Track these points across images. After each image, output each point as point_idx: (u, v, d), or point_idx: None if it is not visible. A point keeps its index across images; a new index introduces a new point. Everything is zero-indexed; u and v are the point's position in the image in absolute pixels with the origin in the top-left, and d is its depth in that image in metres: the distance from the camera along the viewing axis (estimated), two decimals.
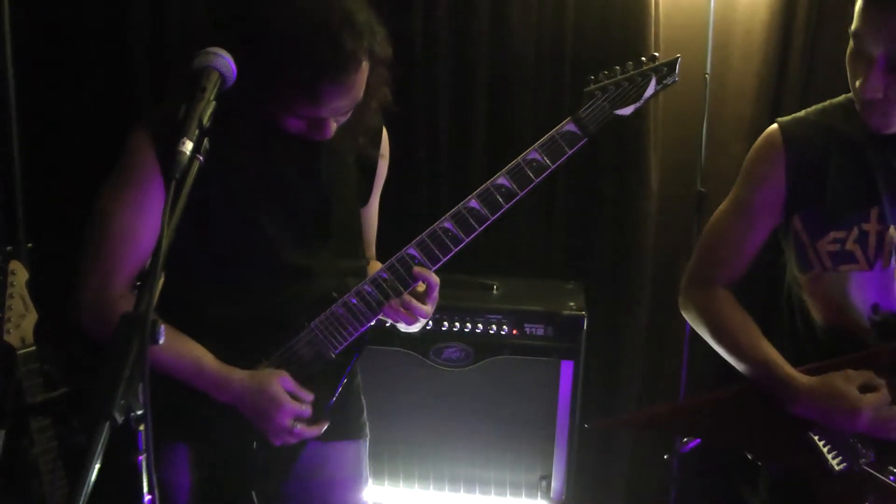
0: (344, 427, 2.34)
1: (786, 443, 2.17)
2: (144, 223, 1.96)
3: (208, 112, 1.47)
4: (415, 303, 2.08)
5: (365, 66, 1.91)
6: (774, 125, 2.22)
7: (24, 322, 2.61)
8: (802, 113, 2.24)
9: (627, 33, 3.33)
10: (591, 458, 3.57)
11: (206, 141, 1.46)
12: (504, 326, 3.17)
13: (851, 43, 1.98)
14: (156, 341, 1.23)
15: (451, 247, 2.09)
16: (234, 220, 1.98)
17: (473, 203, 2.09)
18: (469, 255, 2.16)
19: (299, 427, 2.04)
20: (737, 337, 2.22)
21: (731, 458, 2.89)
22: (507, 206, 2.11)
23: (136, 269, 2.03)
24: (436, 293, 2.12)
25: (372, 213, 2.36)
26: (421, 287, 2.08)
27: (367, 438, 2.41)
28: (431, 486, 3.24)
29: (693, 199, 3.46)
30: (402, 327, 2.19)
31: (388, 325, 2.23)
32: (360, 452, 2.39)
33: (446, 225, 2.08)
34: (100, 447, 1.19)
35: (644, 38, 3.29)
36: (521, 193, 2.12)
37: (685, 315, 2.35)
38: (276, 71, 1.83)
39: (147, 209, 1.95)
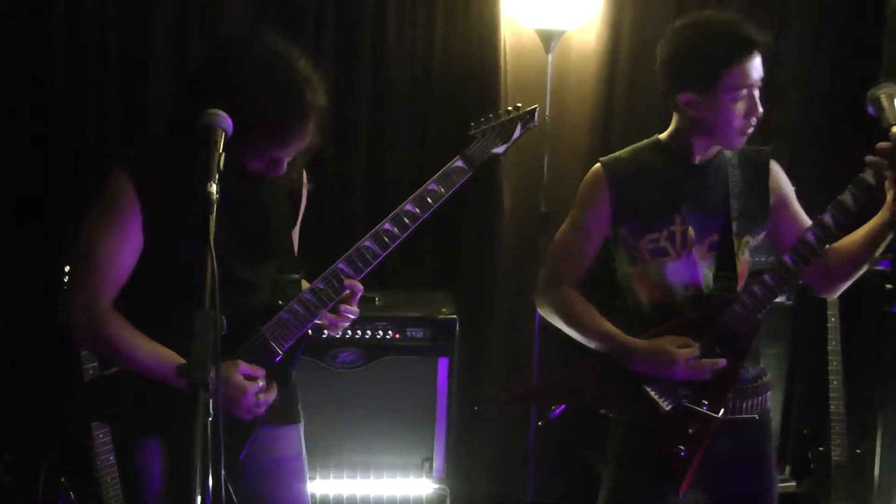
0: (289, 413, 2.63)
1: (629, 396, 2.66)
2: (124, 249, 2.23)
3: (221, 160, 1.82)
4: (345, 305, 2.42)
5: (314, 113, 2.25)
6: (598, 164, 2.73)
7: None
8: (618, 153, 2.76)
9: (484, 78, 3.74)
10: (466, 439, 3.84)
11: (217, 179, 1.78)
12: (388, 331, 3.49)
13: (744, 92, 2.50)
14: (224, 331, 1.61)
15: (372, 261, 2.42)
16: (197, 242, 2.11)
17: (387, 225, 2.45)
18: None
19: (262, 398, 2.31)
20: (584, 320, 2.71)
21: (582, 432, 3.34)
22: (413, 227, 2.47)
23: (118, 287, 2.27)
24: (358, 297, 2.44)
25: (296, 233, 2.67)
26: (347, 294, 2.40)
27: (302, 423, 2.70)
28: (331, 476, 3.45)
29: (538, 218, 3.88)
30: (331, 331, 2.50)
31: (324, 335, 2.55)
32: (301, 433, 2.68)
33: (367, 244, 2.42)
34: (201, 408, 1.54)
35: (495, 85, 3.74)
36: (424, 216, 2.49)
37: (541, 311, 2.82)
38: (254, 124, 2.10)
39: (128, 238, 2.23)
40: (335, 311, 2.43)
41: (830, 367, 3.89)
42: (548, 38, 3.77)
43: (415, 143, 3.86)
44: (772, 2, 4.19)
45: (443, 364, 3.56)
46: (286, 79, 2.18)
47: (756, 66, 2.54)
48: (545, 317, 2.83)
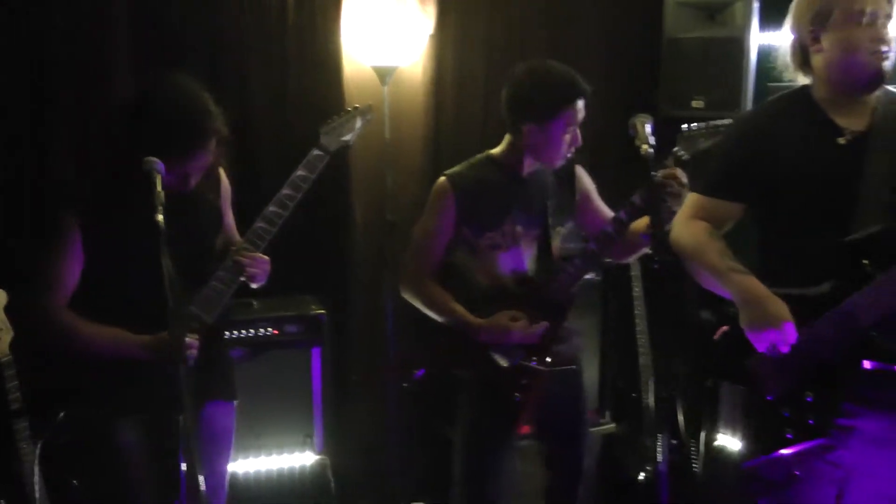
0: (227, 390, 3.01)
1: (477, 358, 3.11)
2: (71, 268, 2.68)
3: (162, 196, 2.31)
4: (257, 255, 2.81)
5: (214, 137, 2.69)
6: (443, 177, 3.16)
7: (2, 338, 2.77)
8: (458, 168, 3.19)
9: (329, 108, 3.86)
10: (340, 416, 4.09)
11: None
12: (268, 329, 3.76)
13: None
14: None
15: (266, 237, 2.83)
16: (140, 259, 2.52)
17: (272, 208, 2.86)
18: None
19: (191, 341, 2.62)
20: (438, 303, 3.15)
21: (435, 406, 3.75)
22: (292, 207, 2.87)
23: (69, 293, 2.68)
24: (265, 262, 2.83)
25: (231, 219, 3.09)
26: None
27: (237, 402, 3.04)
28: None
29: (384, 225, 4.22)
30: (255, 280, 2.85)
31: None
32: (234, 410, 3.05)
33: (259, 224, 2.84)
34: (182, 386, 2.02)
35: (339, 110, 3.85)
36: (299, 196, 2.90)
37: (407, 298, 3.21)
38: (166, 146, 2.54)
39: (73, 259, 2.67)
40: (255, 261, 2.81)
41: (638, 329, 4.27)
42: (383, 74, 4.11)
43: (275, 160, 4.03)
44: (570, 40, 4.62)
45: (315, 354, 3.86)
46: (190, 111, 2.64)
47: (581, 108, 3.01)
48: (411, 302, 3.22)
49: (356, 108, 3.19)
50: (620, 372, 4.63)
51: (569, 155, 3.10)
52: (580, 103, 3.02)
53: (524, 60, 3.18)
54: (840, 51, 2.48)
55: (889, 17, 2.45)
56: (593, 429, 4.34)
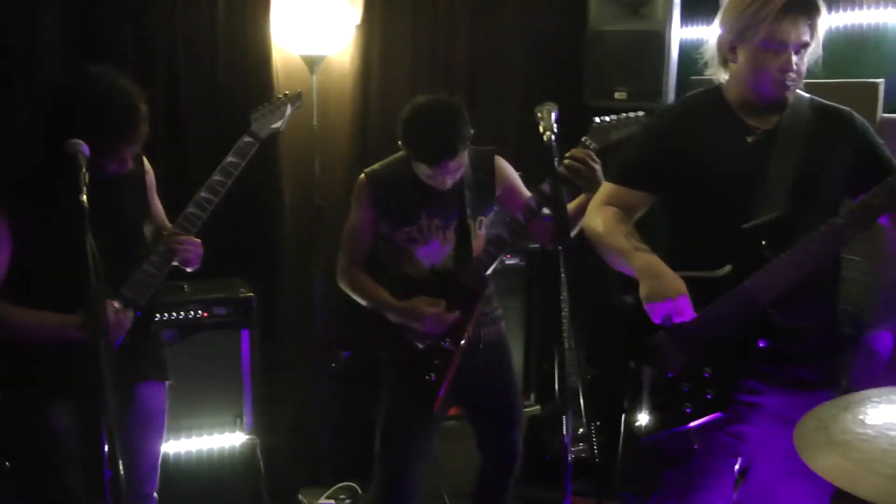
0: (157, 370, 3.04)
1: (397, 341, 3.27)
2: (2, 255, 2.70)
3: (86, 177, 2.35)
4: (188, 238, 2.86)
5: (144, 120, 2.72)
6: (363, 175, 3.29)
7: None
8: (377, 166, 3.32)
9: (261, 96, 3.83)
10: (269, 397, 4.15)
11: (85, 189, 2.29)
12: (198, 311, 3.80)
13: None
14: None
15: (197, 222, 2.88)
16: (68, 241, 2.45)
17: (203, 193, 2.92)
18: None
19: (121, 317, 2.71)
20: (368, 291, 3.29)
21: (360, 383, 3.86)
22: (223, 193, 2.93)
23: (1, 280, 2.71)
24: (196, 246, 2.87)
25: (158, 206, 3.12)
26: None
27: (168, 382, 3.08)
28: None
29: (313, 210, 4.31)
30: (189, 265, 2.90)
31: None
32: (166, 391, 3.10)
33: (190, 209, 2.89)
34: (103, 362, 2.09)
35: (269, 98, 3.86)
36: (230, 182, 2.95)
37: (343, 288, 3.33)
38: (104, 137, 2.61)
39: (4, 246, 2.69)
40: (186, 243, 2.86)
41: (563, 313, 4.14)
42: (311, 62, 4.17)
43: (206, 147, 4.08)
44: (495, 32, 4.70)
45: (245, 335, 3.91)
46: (120, 100, 2.69)
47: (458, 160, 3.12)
48: (347, 292, 3.34)
49: (286, 95, 3.26)
50: (545, 355, 4.71)
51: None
52: (451, 163, 3.12)
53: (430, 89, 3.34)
54: (749, 70, 2.57)
55: (807, 45, 2.52)
56: None
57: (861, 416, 1.88)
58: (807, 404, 2.16)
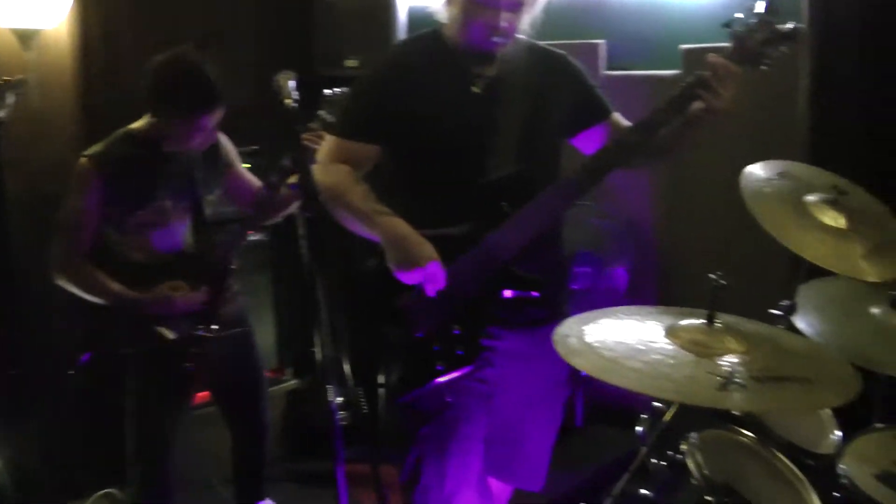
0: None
1: (143, 335, 3.15)
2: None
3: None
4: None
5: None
6: (84, 158, 3.08)
7: None
8: (98, 147, 3.12)
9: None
10: (9, 413, 3.84)
11: None
12: None
13: None
14: None
15: None
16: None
17: None
18: None
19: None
20: (96, 285, 3.12)
21: (105, 385, 3.46)
22: None
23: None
24: None
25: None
26: None
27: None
28: None
29: (44, 200, 3.78)
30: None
31: None
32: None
33: None
34: None
35: None
36: None
37: (62, 284, 3.13)
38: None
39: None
40: None
41: (307, 285, 4.47)
42: (25, 37, 3.92)
43: None
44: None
45: None
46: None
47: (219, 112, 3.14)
48: (66, 288, 3.14)
49: (6, 82, 3.11)
50: (297, 328, 4.70)
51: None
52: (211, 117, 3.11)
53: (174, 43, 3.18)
54: (461, 19, 2.59)
55: (520, 4, 2.54)
56: (276, 387, 4.46)
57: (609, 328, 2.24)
58: (540, 340, 2.31)
